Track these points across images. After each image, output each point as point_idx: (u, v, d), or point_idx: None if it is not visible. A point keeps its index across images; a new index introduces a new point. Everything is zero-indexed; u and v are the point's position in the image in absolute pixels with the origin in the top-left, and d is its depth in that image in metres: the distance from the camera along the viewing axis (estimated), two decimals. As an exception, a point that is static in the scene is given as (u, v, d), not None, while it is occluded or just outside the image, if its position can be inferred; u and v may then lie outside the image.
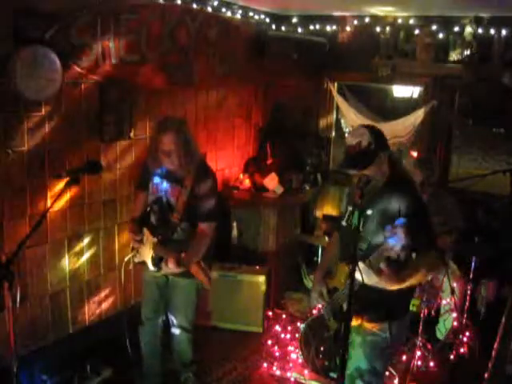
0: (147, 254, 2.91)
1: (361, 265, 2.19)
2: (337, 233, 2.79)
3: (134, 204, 3.25)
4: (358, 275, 2.16)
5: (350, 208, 2.51)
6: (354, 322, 2.42)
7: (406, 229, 2.15)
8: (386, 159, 2.40)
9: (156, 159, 2.87)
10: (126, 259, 3.05)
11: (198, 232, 2.92)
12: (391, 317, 2.45)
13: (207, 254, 2.96)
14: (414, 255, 2.30)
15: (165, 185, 2.94)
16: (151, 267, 2.92)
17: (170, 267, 2.78)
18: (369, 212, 2.37)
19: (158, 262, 2.88)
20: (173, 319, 3.18)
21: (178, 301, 3.13)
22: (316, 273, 2.78)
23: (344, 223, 2.53)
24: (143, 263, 3.01)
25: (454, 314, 3.90)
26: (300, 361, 3.73)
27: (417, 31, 4.44)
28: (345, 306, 2.37)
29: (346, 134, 5.30)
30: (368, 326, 2.46)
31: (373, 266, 2.20)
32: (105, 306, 3.74)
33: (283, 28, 4.88)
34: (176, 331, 3.19)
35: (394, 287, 2.30)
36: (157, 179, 2.97)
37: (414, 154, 4.91)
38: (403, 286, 2.31)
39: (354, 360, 2.50)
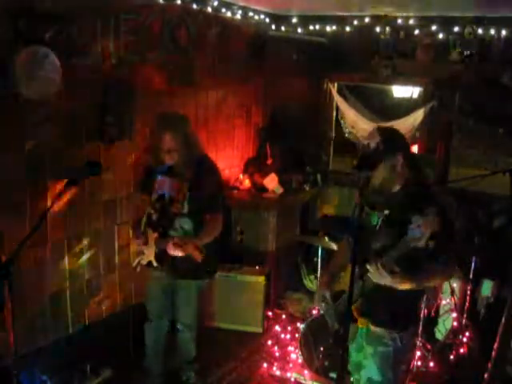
0: (152, 253, 2.93)
1: (372, 267, 2.19)
2: (347, 236, 2.73)
3: (136, 207, 3.25)
4: (369, 275, 2.20)
5: (367, 209, 2.43)
6: (361, 324, 2.40)
7: (438, 217, 2.08)
8: (401, 161, 2.32)
9: (157, 157, 2.90)
10: (133, 264, 3.08)
11: (207, 220, 2.99)
12: (401, 327, 2.42)
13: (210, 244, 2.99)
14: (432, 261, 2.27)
15: (167, 181, 2.96)
16: (155, 264, 2.93)
17: (171, 252, 2.81)
18: (386, 212, 2.34)
19: (160, 255, 2.89)
20: (177, 317, 3.23)
21: (181, 301, 3.17)
22: (321, 276, 2.75)
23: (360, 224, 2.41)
24: (149, 264, 3.02)
25: (454, 314, 3.91)
26: (300, 361, 3.73)
27: (417, 31, 4.44)
28: (353, 307, 2.33)
29: (347, 134, 5.32)
30: (376, 330, 2.42)
31: (386, 265, 2.18)
32: (105, 306, 3.74)
33: (283, 28, 4.87)
34: (180, 329, 3.24)
35: (407, 287, 2.26)
36: (160, 176, 2.99)
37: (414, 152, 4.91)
38: (416, 287, 2.28)
39: (366, 371, 2.49)
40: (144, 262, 3.03)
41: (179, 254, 2.84)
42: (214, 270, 3.29)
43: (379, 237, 2.35)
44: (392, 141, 2.35)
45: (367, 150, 2.30)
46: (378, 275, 2.21)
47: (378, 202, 2.39)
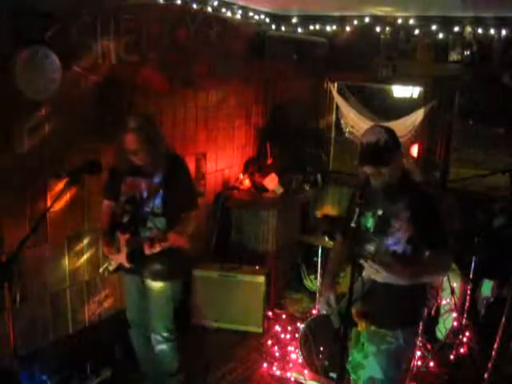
0: (122, 255, 2.88)
1: (369, 263, 2.20)
2: (341, 236, 2.77)
3: (101, 215, 3.15)
4: (367, 272, 2.24)
5: (358, 209, 2.44)
6: (362, 328, 2.39)
7: (409, 222, 2.21)
8: (401, 159, 2.40)
9: (125, 159, 2.90)
10: (100, 270, 3.06)
11: (182, 219, 2.94)
12: (404, 324, 2.42)
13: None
14: (427, 253, 2.31)
15: (138, 181, 2.95)
16: (127, 265, 2.89)
17: (148, 249, 2.78)
18: (379, 212, 2.38)
19: (132, 255, 2.85)
20: (152, 328, 3.13)
21: (155, 311, 3.09)
22: (324, 280, 2.73)
23: (353, 225, 2.31)
24: (119, 269, 2.98)
25: (454, 314, 3.90)
26: (300, 361, 3.73)
27: (417, 31, 4.44)
28: (353, 311, 2.34)
29: (347, 134, 5.32)
30: (379, 331, 2.42)
31: (381, 261, 2.20)
32: (105, 306, 3.74)
33: (283, 28, 4.87)
34: (158, 344, 3.13)
35: (405, 281, 2.26)
36: (129, 178, 2.97)
37: (414, 154, 4.91)
38: (414, 281, 2.28)
39: (367, 370, 2.48)
40: (112, 268, 2.98)
41: (157, 249, 2.79)
42: (188, 270, 3.24)
43: (373, 239, 2.38)
44: (396, 138, 2.40)
45: (377, 145, 2.30)
46: (373, 271, 2.20)
47: (377, 201, 2.41)
